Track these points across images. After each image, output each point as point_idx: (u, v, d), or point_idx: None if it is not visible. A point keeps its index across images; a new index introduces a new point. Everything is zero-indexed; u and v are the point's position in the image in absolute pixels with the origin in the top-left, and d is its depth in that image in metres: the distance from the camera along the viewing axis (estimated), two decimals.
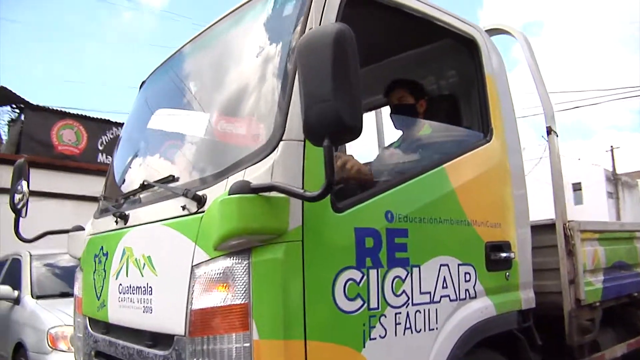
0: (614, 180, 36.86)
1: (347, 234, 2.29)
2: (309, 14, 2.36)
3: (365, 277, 2.29)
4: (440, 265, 2.65)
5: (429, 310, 2.55)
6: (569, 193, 39.29)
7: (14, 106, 15.99)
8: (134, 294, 2.67)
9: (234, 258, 2.09)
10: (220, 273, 2.10)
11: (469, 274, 2.80)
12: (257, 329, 2.02)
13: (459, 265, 2.74)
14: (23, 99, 15.37)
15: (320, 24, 2.31)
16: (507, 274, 3.03)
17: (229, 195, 2.03)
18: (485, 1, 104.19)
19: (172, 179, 2.69)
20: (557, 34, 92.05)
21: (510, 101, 3.39)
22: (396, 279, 2.42)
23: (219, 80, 2.93)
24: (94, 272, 3.19)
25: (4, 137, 16.63)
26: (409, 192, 2.61)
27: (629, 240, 4.32)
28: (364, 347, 2.25)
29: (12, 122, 16.16)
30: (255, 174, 2.14)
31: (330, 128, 1.85)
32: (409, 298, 2.47)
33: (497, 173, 3.13)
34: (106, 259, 3.06)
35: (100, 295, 3.07)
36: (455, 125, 3.36)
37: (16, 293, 6.82)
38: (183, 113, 3.23)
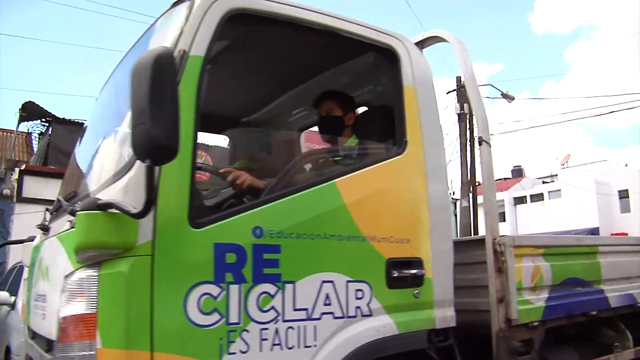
0: None
1: (205, 249, 2.30)
2: (180, 36, 2.41)
3: (224, 292, 2.30)
4: (323, 281, 2.59)
5: (305, 327, 2.51)
6: (616, 201, 38.13)
7: (42, 120, 16.68)
8: (38, 301, 2.92)
9: (88, 270, 2.21)
10: (78, 284, 2.24)
11: (362, 291, 2.72)
12: (101, 338, 2.11)
13: (348, 282, 2.67)
14: (50, 112, 15.95)
15: (190, 45, 2.39)
16: (416, 291, 2.92)
17: (79, 212, 2.14)
18: (536, 5, 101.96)
19: (73, 194, 2.95)
20: (613, 36, 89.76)
21: (434, 112, 3.29)
22: (263, 295, 2.40)
23: (110, 104, 3.16)
24: (29, 280, 3.42)
25: (35, 150, 17.29)
26: (286, 208, 2.58)
27: (588, 256, 4.09)
28: None
29: (41, 135, 16.79)
30: (112, 192, 2.26)
31: (148, 149, 1.95)
32: (279, 314, 2.44)
33: (408, 186, 3.04)
34: (33, 268, 3.32)
35: (28, 303, 3.33)
36: (374, 138, 3.28)
37: (13, 299, 7.14)
38: (89, 133, 3.49)
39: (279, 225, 2.50)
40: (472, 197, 19.42)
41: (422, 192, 3.06)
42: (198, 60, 2.38)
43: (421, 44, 3.86)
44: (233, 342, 2.29)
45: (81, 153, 3.51)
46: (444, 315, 3.03)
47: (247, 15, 2.65)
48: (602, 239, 4.52)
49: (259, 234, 2.42)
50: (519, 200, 41.67)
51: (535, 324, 3.47)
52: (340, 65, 3.61)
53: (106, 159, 2.72)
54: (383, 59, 3.25)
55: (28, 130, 17.86)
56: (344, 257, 2.70)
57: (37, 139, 17.20)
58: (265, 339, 2.39)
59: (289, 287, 2.48)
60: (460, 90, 20.10)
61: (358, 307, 2.69)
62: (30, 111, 15.77)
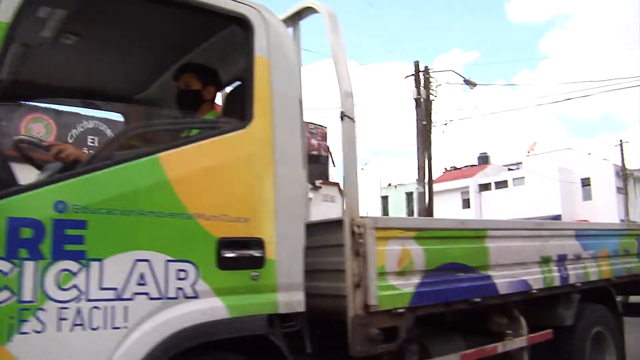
0: (623, 175, 35.86)
1: None
2: None
3: (16, 269, 2.18)
4: (137, 260, 2.43)
5: (113, 307, 2.37)
6: (578, 188, 38.67)
7: None
8: None
9: None
10: None
11: (185, 271, 2.55)
12: None
13: (167, 261, 2.51)
14: None
15: None
16: (255, 274, 2.74)
17: None
18: None
19: None
20: (587, 26, 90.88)
21: (293, 88, 3.12)
22: (64, 272, 2.27)
23: None
24: None
25: None
26: (96, 182, 2.42)
27: (473, 240, 3.94)
28: (10, 340, 2.13)
29: None
30: None
31: None
32: (81, 293, 2.30)
33: (249, 163, 2.84)
34: None
35: None
36: (228, 112, 3.11)
37: None
38: None
39: (86, 200, 2.34)
40: (429, 183, 19.34)
41: (267, 170, 2.88)
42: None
43: (298, 16, 3.71)
44: (26, 321, 2.17)
45: None
46: (290, 300, 2.87)
47: None
48: (493, 223, 4.35)
49: (62, 208, 2.28)
50: (484, 187, 41.99)
51: (401, 310, 3.30)
52: (199, 37, 3.42)
53: None
54: (239, 29, 3.05)
55: None
56: (163, 235, 2.53)
57: None
58: (65, 319, 2.24)
59: (95, 264, 2.33)
60: (418, 75, 20.10)
61: (180, 289, 2.53)
62: None
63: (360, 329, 3.07)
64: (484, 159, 47.35)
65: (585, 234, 5.13)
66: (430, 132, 20.07)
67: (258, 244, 2.77)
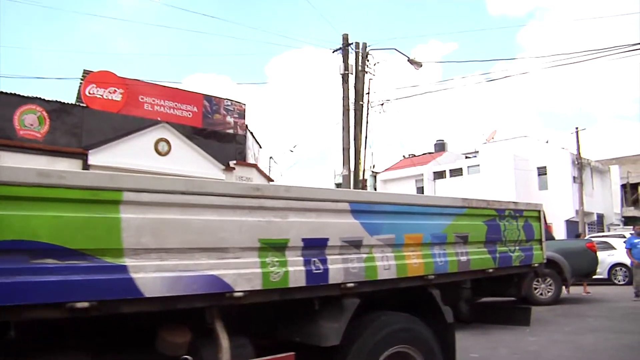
0: (579, 164, 34.73)
1: None
2: None
3: None
4: None
5: None
6: (534, 177, 37.51)
7: None
8: None
9: None
10: None
11: None
12: None
13: None
14: None
15: None
16: None
17: None
18: None
19: None
20: (562, 20, 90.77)
21: None
22: None
23: None
24: None
25: None
26: None
27: (90, 207, 2.27)
28: None
29: None
30: None
31: None
32: None
33: None
34: None
35: None
36: None
37: None
38: None
39: None
40: (355, 165, 17.65)
41: None
42: None
43: None
44: None
45: None
46: None
47: None
48: (132, 180, 2.52)
49: None
50: (438, 175, 40.52)
51: None
52: None
53: None
54: None
55: None
56: None
57: None
58: None
59: None
60: (346, 49, 18.38)
61: None
62: None
63: None
64: (440, 146, 45.99)
65: (370, 209, 3.47)
66: (360, 112, 18.39)
67: None
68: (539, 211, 5.18)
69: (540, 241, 5.09)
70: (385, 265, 3.47)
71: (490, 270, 4.37)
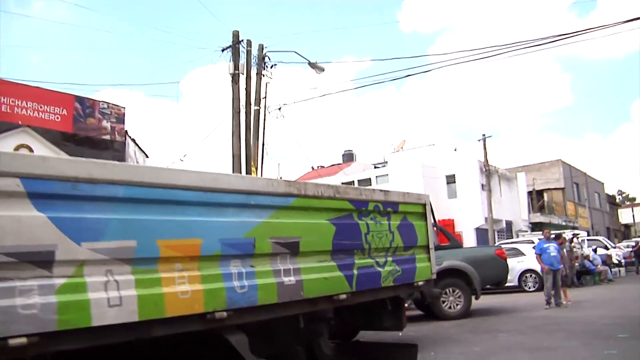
0: (486, 171, 34.64)
1: None
2: None
3: None
4: None
5: None
6: (443, 186, 37.20)
7: None
8: None
9: None
10: None
11: None
12: None
13: None
14: None
15: None
16: None
17: None
18: (404, 4, 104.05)
19: None
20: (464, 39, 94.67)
21: None
22: None
23: None
24: None
25: None
26: None
27: None
28: None
29: None
30: None
31: None
32: None
33: None
34: None
35: None
36: None
37: None
38: None
39: None
40: (246, 174, 15.91)
41: None
42: None
43: None
44: None
45: None
46: None
47: None
48: None
49: None
50: (347, 185, 39.62)
51: None
52: None
53: None
54: None
55: None
56: None
57: None
58: None
59: None
60: (237, 48, 16.71)
61: None
62: None
63: None
64: (349, 157, 45.38)
65: (73, 192, 1.80)
66: (255, 116, 16.75)
67: None
68: (424, 204, 3.60)
69: (426, 248, 3.52)
70: (110, 300, 1.77)
71: (343, 297, 2.74)
